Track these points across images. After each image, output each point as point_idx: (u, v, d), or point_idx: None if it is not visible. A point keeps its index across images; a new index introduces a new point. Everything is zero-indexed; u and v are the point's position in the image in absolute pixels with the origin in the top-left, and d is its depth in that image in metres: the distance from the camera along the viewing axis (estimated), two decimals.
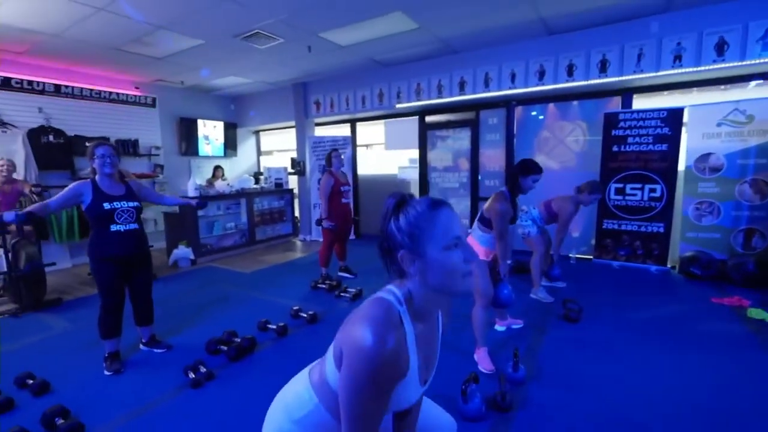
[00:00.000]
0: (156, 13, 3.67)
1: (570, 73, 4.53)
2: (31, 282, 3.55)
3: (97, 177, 2.50)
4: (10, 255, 3.55)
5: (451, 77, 5.32)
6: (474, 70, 5.14)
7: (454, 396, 1.95)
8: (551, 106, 5.09)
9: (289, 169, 6.89)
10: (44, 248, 4.61)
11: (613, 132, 4.59)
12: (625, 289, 3.84)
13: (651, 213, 4.46)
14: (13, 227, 3.72)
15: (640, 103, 4.72)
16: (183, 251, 5.16)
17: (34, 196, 4.03)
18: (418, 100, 5.62)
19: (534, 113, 5.20)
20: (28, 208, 2.31)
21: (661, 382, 2.22)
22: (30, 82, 4.95)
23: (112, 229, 2.46)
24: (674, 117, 4.27)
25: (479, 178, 5.69)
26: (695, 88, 4.39)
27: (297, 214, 7.19)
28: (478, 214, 2.54)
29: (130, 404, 2.14)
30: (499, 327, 2.95)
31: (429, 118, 6.04)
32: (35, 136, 4.92)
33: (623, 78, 4.26)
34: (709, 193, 4.17)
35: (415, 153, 6.28)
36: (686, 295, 3.63)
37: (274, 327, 3.00)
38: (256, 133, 8.30)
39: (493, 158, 5.57)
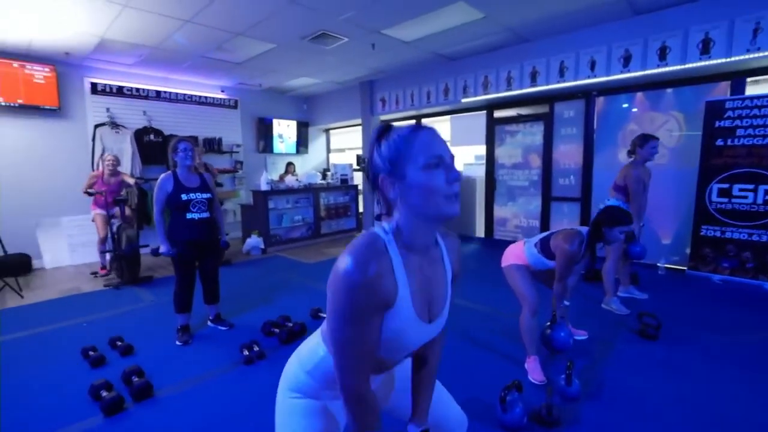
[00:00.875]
0: (233, 21, 4.01)
1: (662, 56, 3.97)
2: (129, 261, 4.14)
3: (177, 169, 2.81)
4: (115, 237, 4.19)
5: (522, 68, 4.99)
6: (547, 59, 4.76)
7: (496, 403, 1.83)
8: (639, 95, 4.51)
9: (354, 166, 7.08)
10: (145, 232, 5.35)
11: (718, 123, 3.91)
12: (725, 307, 3.25)
13: (767, 219, 3.72)
14: (117, 213, 4.38)
15: (753, 89, 3.97)
16: (255, 240, 5.60)
17: (135, 187, 4.69)
18: (486, 93, 5.37)
19: (625, 105, 4.63)
20: (162, 234, 2.73)
21: (752, 421, 1.84)
22: (137, 89, 5.76)
23: (188, 217, 2.76)
24: None
25: (552, 175, 5.27)
26: None
27: (361, 209, 7.36)
28: (545, 235, 2.25)
29: (191, 372, 2.38)
30: None
31: (498, 113, 5.75)
32: (140, 136, 5.72)
33: (732, 59, 3.60)
34: None
35: (481, 149, 6.03)
36: None
37: (325, 316, 3.09)
38: (327, 131, 8.67)
39: (569, 154, 5.12)
